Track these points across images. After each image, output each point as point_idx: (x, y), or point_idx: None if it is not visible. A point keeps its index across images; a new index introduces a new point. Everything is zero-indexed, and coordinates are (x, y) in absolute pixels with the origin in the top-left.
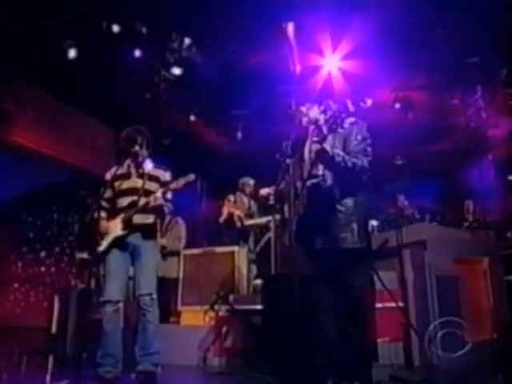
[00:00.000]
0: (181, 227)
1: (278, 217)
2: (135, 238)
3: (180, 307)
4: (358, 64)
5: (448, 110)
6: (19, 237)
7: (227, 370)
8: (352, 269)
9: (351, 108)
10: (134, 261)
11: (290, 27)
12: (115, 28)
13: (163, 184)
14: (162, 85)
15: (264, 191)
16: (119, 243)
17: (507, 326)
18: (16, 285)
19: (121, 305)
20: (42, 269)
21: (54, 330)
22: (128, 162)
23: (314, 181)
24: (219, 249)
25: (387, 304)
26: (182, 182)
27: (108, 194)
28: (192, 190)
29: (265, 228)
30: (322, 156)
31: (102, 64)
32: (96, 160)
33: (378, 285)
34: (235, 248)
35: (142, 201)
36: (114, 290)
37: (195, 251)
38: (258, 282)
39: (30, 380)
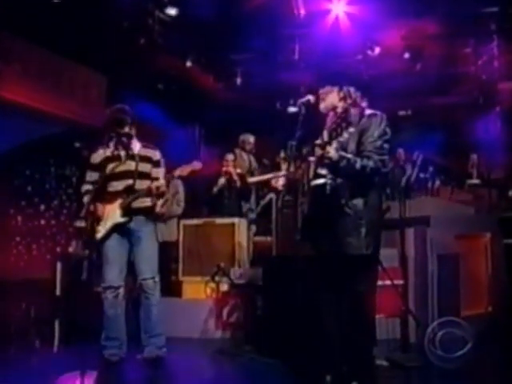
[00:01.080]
0: (179, 188)
1: (282, 173)
2: (134, 223)
3: (181, 277)
4: (367, 9)
5: (459, 58)
6: (17, 191)
7: (229, 346)
8: (355, 274)
9: (353, 118)
10: (134, 246)
11: None
12: None
13: (156, 164)
14: (156, 27)
15: (275, 182)
16: (118, 229)
17: (503, 299)
18: (18, 238)
19: (121, 290)
20: (42, 222)
21: (58, 291)
22: (114, 143)
23: (320, 181)
24: (219, 220)
25: (386, 282)
26: (187, 169)
27: (94, 177)
28: (189, 137)
29: (267, 185)
30: (324, 162)
31: (90, 7)
32: (90, 110)
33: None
34: (235, 220)
35: (143, 185)
36: (114, 275)
37: (195, 221)
38: (258, 238)
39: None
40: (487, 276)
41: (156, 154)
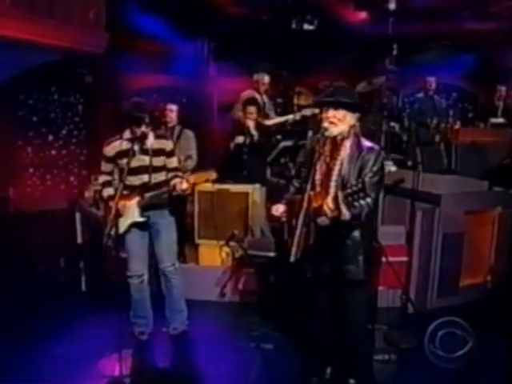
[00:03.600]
0: (190, 141)
1: (297, 116)
2: (152, 217)
3: (197, 240)
4: None
5: None
6: (23, 122)
7: (242, 312)
8: (353, 295)
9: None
10: (154, 237)
11: None
12: None
13: (169, 154)
14: None
15: (275, 210)
16: (137, 224)
17: (504, 268)
18: (31, 170)
19: (145, 276)
20: (53, 152)
21: (79, 240)
22: (128, 134)
23: (320, 220)
24: (233, 188)
25: (390, 258)
26: (202, 178)
27: (109, 167)
28: (197, 52)
29: (282, 126)
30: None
31: None
32: (89, 36)
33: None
34: (249, 189)
35: (159, 179)
36: (137, 265)
37: (209, 188)
38: (273, 179)
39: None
40: (491, 248)
41: (169, 144)
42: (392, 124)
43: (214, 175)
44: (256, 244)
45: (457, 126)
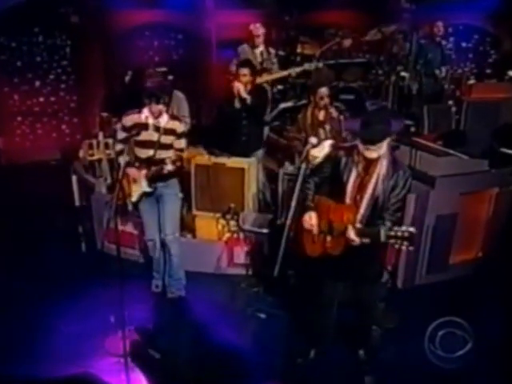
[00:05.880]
0: (181, 103)
1: (297, 69)
2: (159, 188)
3: (194, 211)
4: None
5: None
6: (6, 67)
7: (238, 284)
8: (370, 289)
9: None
10: (160, 206)
11: None
12: None
13: (179, 136)
14: None
15: (308, 223)
16: (147, 194)
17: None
18: (19, 118)
19: (157, 241)
20: (41, 99)
21: (77, 202)
22: (146, 111)
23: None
24: (230, 163)
25: None
26: (193, 154)
27: (123, 135)
28: None
29: (283, 80)
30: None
31: None
32: None
33: None
34: (245, 164)
35: (163, 155)
36: (149, 231)
37: (205, 161)
38: (273, 136)
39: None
40: (485, 227)
41: (181, 127)
42: (402, 74)
43: (202, 152)
44: (251, 220)
45: (471, 81)
